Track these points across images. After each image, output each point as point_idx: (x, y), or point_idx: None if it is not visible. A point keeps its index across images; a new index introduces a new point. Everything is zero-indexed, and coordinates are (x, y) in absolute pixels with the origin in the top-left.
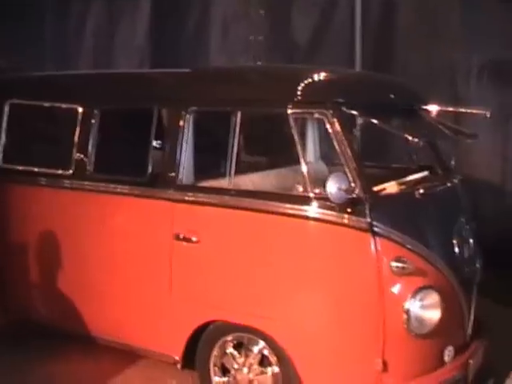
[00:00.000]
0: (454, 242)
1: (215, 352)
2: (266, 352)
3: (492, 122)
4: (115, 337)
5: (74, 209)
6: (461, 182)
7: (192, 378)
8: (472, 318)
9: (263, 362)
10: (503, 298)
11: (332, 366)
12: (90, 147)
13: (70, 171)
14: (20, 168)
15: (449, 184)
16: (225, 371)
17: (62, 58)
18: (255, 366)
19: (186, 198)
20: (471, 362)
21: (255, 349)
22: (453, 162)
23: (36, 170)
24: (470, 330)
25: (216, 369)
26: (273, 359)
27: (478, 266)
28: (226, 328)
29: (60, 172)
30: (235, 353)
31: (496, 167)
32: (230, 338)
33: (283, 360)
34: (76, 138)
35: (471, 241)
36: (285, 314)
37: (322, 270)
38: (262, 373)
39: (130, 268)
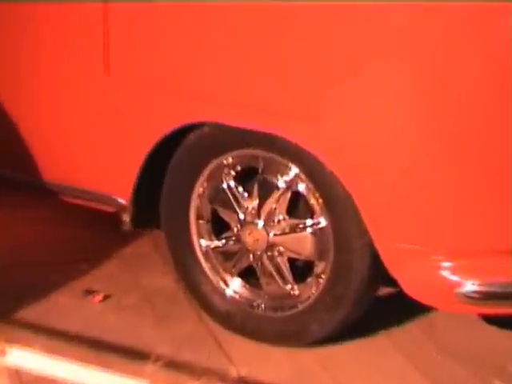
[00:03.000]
0: None
1: (200, 188)
2: (300, 188)
3: None
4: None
5: None
6: None
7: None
8: None
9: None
10: None
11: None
12: None
13: None
14: None
15: None
16: (220, 230)
17: None
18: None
19: None
20: None
21: (280, 182)
22: None
23: None
24: None
25: (203, 223)
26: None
27: None
28: (223, 139)
29: None
30: (240, 189)
31: None
32: (229, 160)
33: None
34: None
35: None
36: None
37: None
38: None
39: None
